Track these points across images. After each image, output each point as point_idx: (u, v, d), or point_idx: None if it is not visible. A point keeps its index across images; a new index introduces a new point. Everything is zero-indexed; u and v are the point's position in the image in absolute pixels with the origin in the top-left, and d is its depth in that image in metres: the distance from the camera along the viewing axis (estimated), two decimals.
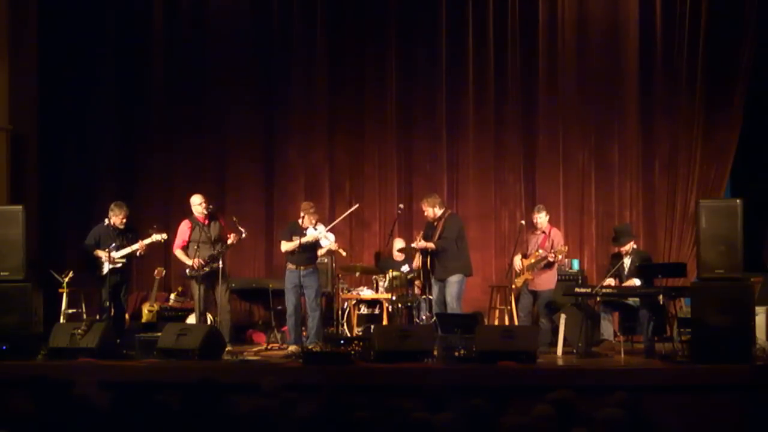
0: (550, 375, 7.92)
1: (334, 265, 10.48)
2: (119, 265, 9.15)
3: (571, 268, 10.37)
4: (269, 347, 9.67)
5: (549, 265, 9.42)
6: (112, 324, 8.92)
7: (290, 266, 9.31)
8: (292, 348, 9.09)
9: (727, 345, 7.85)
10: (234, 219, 9.27)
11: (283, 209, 11.17)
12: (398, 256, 10.43)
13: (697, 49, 10.70)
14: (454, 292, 9.07)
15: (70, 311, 9.90)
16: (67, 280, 9.79)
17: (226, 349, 8.74)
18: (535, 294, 9.48)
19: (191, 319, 9.69)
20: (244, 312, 11.01)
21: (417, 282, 9.88)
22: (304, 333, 9.34)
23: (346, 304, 10.21)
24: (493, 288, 10.58)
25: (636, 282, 8.96)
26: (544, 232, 9.56)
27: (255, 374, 7.37)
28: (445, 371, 7.96)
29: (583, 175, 11.08)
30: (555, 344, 8.89)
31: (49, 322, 9.16)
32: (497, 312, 10.17)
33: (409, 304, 9.78)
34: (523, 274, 9.45)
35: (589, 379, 7.56)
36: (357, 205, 10.28)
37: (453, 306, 9.04)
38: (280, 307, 9.74)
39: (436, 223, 9.31)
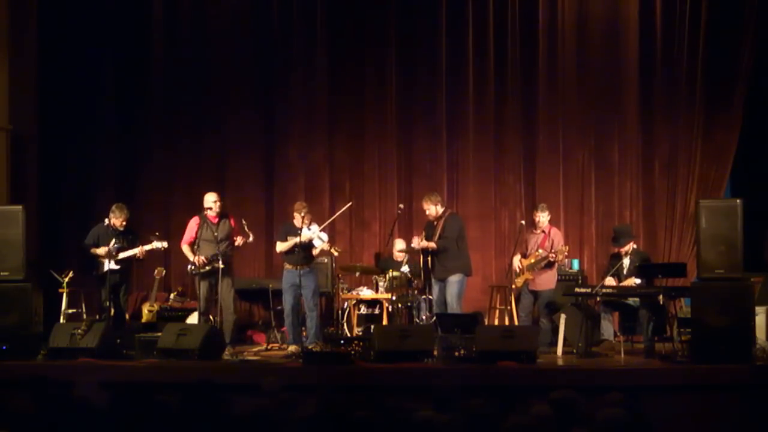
0: (550, 375, 7.92)
1: (333, 265, 10.48)
2: (118, 266, 9.15)
3: (571, 268, 10.37)
4: (269, 347, 9.68)
5: (549, 265, 9.42)
6: (112, 324, 8.92)
7: (288, 266, 9.32)
8: (292, 348, 9.09)
9: (727, 345, 7.85)
10: (243, 222, 9.26)
11: (283, 209, 11.15)
12: (398, 256, 10.43)
13: (697, 49, 10.71)
14: (454, 292, 9.06)
15: (70, 311, 9.91)
16: (67, 280, 9.80)
17: (226, 350, 8.73)
18: (535, 294, 9.48)
19: (191, 319, 9.70)
20: (244, 312, 11.00)
21: (416, 282, 9.87)
22: (303, 333, 9.34)
23: (346, 304, 10.21)
24: (493, 288, 10.58)
25: (636, 281, 8.96)
26: (543, 231, 9.57)
27: (255, 374, 7.37)
28: (445, 371, 7.95)
29: (583, 175, 11.08)
30: (555, 344, 8.90)
31: (49, 322, 9.14)
32: (497, 312, 10.17)
33: (409, 304, 9.78)
34: (523, 274, 9.45)
35: (589, 379, 7.56)
36: (351, 203, 10.28)
37: (453, 306, 9.04)
38: (280, 307, 9.75)
39: (436, 223, 9.31)
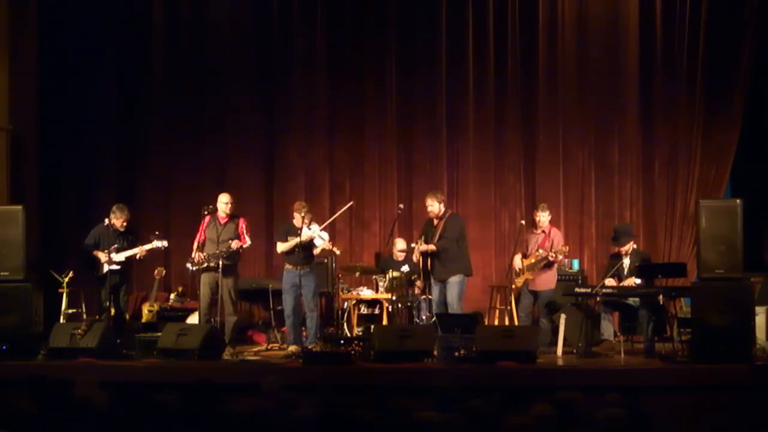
0: (550, 375, 7.93)
1: (334, 265, 10.47)
2: (118, 266, 9.15)
3: (571, 268, 10.37)
4: (269, 347, 9.68)
5: (549, 265, 9.42)
6: (112, 324, 8.91)
7: (288, 266, 9.32)
8: (292, 348, 9.09)
9: (727, 345, 7.86)
10: (243, 226, 9.26)
11: (283, 209, 11.15)
12: (398, 256, 10.42)
13: (697, 49, 10.70)
14: (455, 292, 9.06)
15: (70, 311, 9.91)
16: (67, 280, 9.80)
17: (226, 350, 8.73)
18: (535, 294, 9.48)
19: (191, 319, 9.70)
20: (244, 312, 11.00)
21: (417, 282, 9.87)
22: (303, 333, 9.34)
23: (346, 304, 10.21)
24: (493, 288, 10.58)
25: (636, 281, 8.96)
26: (544, 231, 9.56)
27: (255, 374, 7.37)
28: (445, 371, 7.95)
29: (583, 175, 11.08)
30: (555, 344, 8.90)
31: (49, 322, 9.15)
32: (497, 312, 10.16)
33: (409, 304, 9.78)
34: (523, 274, 9.45)
35: (589, 379, 7.56)
36: (351, 203, 10.28)
37: (454, 306, 9.04)
38: (280, 307, 9.74)
39: (436, 223, 9.31)
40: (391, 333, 8.62)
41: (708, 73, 10.69)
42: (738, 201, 8.39)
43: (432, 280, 9.25)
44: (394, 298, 9.59)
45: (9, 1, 10.67)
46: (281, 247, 9.35)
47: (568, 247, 9.61)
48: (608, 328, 9.07)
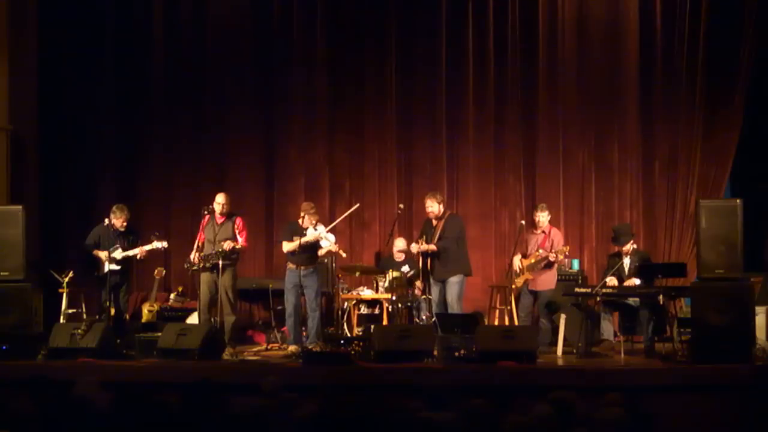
0: (550, 375, 7.92)
1: (334, 265, 10.46)
2: (118, 266, 9.15)
3: (571, 268, 10.35)
4: (269, 347, 9.67)
5: (549, 265, 9.42)
6: (112, 324, 8.92)
7: (290, 266, 9.32)
8: (292, 348, 9.09)
9: (727, 345, 7.86)
10: (236, 225, 9.26)
11: (283, 209, 11.18)
12: (398, 256, 10.42)
13: (697, 49, 10.69)
14: (455, 292, 9.07)
15: (70, 311, 9.90)
16: (67, 280, 9.80)
17: (226, 350, 8.73)
18: (535, 294, 9.49)
19: (191, 319, 9.70)
20: (244, 312, 11.00)
21: (417, 282, 9.87)
22: (304, 333, 9.34)
23: (346, 304, 10.20)
24: (493, 288, 10.57)
25: (636, 281, 8.96)
26: (544, 231, 9.57)
27: (255, 374, 7.37)
28: (445, 371, 7.95)
29: (583, 175, 11.07)
30: (555, 344, 8.90)
31: (49, 322, 9.16)
32: (497, 312, 10.16)
33: (409, 304, 9.78)
34: (523, 274, 9.45)
35: (589, 379, 7.56)
36: (357, 205, 10.29)
37: (454, 306, 9.04)
38: (280, 307, 9.75)
39: (435, 223, 9.31)
40: (391, 333, 8.62)
41: (708, 73, 10.68)
42: (738, 201, 8.38)
43: (432, 280, 9.25)
44: (394, 298, 9.59)
45: (9, 1, 10.67)
46: (287, 246, 9.34)
47: (568, 247, 9.61)
48: (608, 328, 9.08)
